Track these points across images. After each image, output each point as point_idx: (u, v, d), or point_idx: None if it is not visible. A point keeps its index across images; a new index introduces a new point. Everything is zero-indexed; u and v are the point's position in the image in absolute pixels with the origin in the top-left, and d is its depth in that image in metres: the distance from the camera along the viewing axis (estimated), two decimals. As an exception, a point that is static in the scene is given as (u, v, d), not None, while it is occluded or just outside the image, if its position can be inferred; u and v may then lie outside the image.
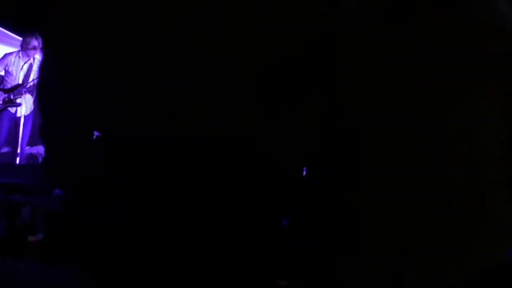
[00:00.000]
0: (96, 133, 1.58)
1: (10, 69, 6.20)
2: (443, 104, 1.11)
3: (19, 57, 6.24)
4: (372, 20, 1.17)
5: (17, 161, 6.12)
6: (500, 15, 1.15)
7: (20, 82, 6.16)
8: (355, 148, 1.17)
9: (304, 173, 1.43)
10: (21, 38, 6.42)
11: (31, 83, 6.08)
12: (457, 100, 1.11)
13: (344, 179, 1.24)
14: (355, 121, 1.15)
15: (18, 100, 6.08)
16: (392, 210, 1.22)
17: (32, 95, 6.07)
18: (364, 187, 1.21)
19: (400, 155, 1.16)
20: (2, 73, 6.25)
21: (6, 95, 6.07)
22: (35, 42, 6.17)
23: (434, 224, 1.23)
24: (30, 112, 6.20)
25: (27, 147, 6.57)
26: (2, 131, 6.17)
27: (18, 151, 6.13)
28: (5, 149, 6.45)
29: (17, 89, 6.08)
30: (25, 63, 6.23)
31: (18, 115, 6.13)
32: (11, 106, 6.08)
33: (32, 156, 7.03)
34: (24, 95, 6.08)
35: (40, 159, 7.13)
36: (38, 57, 6.36)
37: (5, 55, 6.30)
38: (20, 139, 6.13)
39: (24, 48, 6.21)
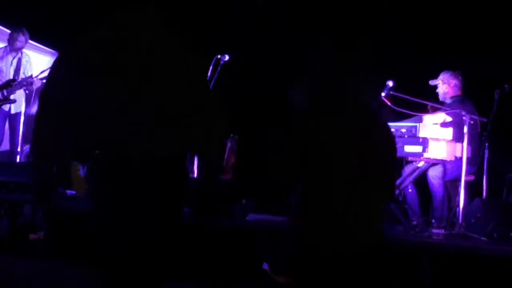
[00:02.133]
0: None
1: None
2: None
3: (7, 52, 6.14)
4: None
5: (17, 159, 6.07)
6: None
7: (11, 77, 6.05)
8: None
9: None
10: (8, 31, 6.29)
11: (22, 78, 5.97)
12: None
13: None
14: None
15: (12, 97, 5.98)
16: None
17: (24, 91, 5.97)
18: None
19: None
20: (-8, 71, 6.16)
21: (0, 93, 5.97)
22: (22, 38, 6.06)
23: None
24: (26, 109, 6.12)
25: (26, 146, 6.51)
26: (-2, 130, 6.11)
27: (18, 149, 6.07)
28: (2, 148, 6.38)
29: (10, 86, 5.96)
30: (13, 58, 6.12)
31: (12, 112, 6.06)
32: (6, 104, 5.99)
33: (32, 154, 6.97)
34: (16, 90, 5.98)
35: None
36: (26, 51, 6.26)
37: (-7, 52, 6.21)
38: (19, 137, 6.05)
39: (12, 43, 6.09)
